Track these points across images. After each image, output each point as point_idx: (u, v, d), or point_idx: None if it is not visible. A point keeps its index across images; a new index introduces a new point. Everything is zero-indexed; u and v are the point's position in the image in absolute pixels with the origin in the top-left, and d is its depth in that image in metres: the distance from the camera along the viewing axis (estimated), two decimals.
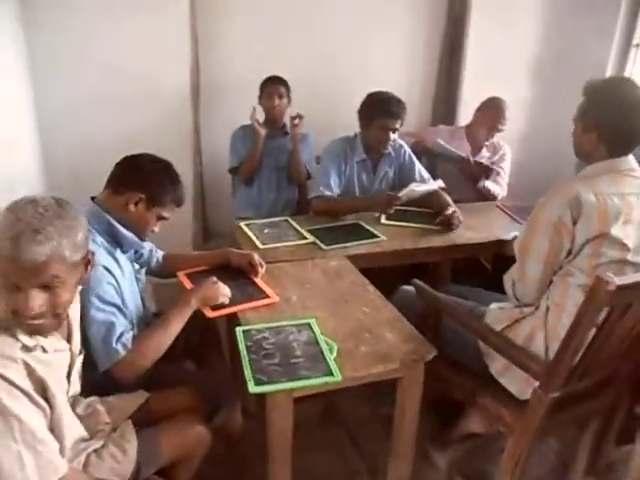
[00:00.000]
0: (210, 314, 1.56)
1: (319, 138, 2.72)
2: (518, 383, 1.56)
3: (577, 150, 1.57)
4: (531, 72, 3.40)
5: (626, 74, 3.12)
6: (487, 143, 2.81)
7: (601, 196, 1.41)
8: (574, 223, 1.42)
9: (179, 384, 1.50)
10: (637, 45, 3.07)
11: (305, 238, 2.11)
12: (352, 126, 2.50)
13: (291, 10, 2.94)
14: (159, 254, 1.84)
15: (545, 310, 1.54)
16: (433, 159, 2.90)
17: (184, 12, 2.63)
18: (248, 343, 1.42)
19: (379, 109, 2.36)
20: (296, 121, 2.66)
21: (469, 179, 2.71)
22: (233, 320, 1.63)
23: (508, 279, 1.63)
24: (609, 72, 3.11)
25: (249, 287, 1.72)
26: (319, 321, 1.54)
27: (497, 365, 1.61)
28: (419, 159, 2.68)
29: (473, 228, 2.29)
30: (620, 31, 3.06)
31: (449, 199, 2.44)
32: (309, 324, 1.51)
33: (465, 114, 3.08)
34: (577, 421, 1.74)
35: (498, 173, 2.80)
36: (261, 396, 1.33)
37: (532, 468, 1.81)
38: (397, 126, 2.39)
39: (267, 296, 1.67)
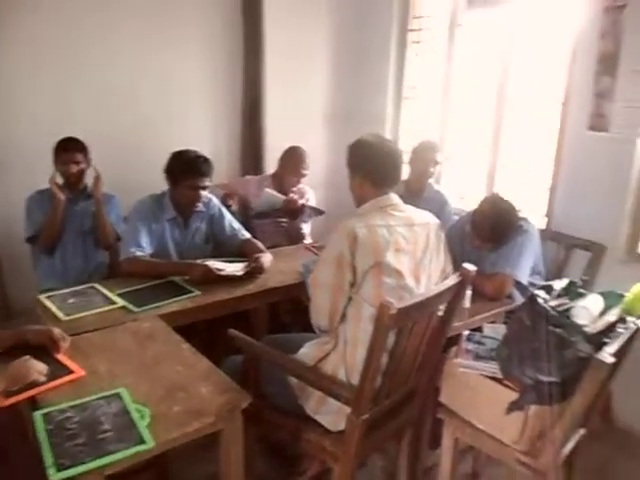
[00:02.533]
0: (2, 403, 1.40)
1: (127, 199, 2.63)
2: (330, 417, 1.66)
3: (355, 199, 1.79)
4: (325, 122, 3.81)
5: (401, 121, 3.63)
6: (294, 189, 3.01)
7: (372, 228, 1.61)
8: (353, 255, 1.59)
9: None
10: (406, 98, 3.62)
11: (114, 303, 2.01)
12: (161, 184, 2.46)
13: (82, 66, 2.89)
14: None
15: (343, 346, 1.67)
16: (245, 212, 3.01)
17: None
18: (49, 427, 1.31)
19: (187, 169, 2.36)
20: (96, 183, 2.56)
21: (290, 216, 2.91)
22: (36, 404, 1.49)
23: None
24: (388, 120, 3.59)
25: (50, 365, 1.57)
26: (130, 389, 1.47)
27: (311, 403, 1.70)
28: (230, 211, 2.75)
29: (284, 271, 2.40)
30: (391, 86, 3.57)
31: (261, 246, 2.54)
32: (118, 394, 1.44)
33: (272, 163, 3.27)
34: (393, 435, 1.90)
35: (310, 215, 3.01)
36: None
37: None
38: (207, 184, 2.41)
39: (71, 371, 1.55)
